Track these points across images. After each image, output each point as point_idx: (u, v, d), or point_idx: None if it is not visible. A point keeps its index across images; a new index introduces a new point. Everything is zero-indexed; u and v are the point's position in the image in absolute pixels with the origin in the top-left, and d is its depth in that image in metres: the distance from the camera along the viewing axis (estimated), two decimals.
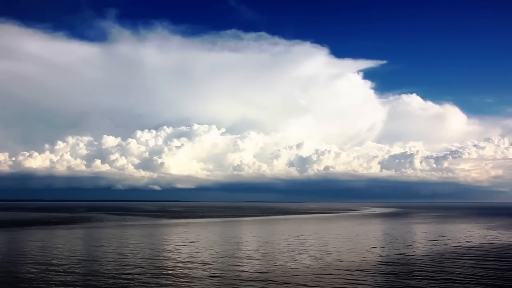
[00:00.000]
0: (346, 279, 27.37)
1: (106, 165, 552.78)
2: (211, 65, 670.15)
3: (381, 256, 37.45)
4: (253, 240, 51.22)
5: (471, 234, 60.81)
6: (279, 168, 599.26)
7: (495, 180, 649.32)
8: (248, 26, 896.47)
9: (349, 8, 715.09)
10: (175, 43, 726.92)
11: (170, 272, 29.59)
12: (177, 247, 43.57)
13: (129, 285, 25.58)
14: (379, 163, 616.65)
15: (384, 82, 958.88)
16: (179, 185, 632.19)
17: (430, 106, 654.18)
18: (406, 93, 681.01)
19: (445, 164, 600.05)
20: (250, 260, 34.74)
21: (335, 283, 26.29)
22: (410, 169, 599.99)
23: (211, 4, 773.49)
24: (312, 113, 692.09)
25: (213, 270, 30.18)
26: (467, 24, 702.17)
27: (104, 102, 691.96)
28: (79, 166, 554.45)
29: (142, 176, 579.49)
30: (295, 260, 34.74)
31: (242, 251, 40.13)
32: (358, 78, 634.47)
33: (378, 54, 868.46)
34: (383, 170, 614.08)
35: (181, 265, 32.46)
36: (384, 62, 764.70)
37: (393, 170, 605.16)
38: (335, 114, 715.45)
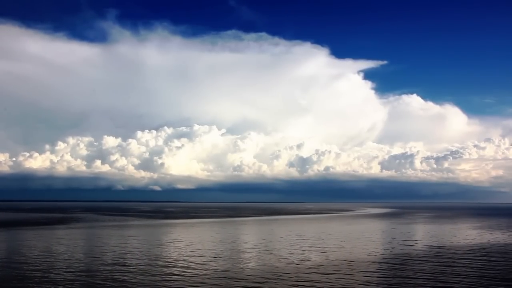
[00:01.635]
0: (301, 278, 27.85)
1: (107, 165, 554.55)
2: (211, 66, 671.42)
3: (346, 256, 37.84)
4: (230, 240, 51.64)
5: (450, 234, 61.12)
6: (279, 168, 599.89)
7: (495, 180, 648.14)
8: (249, 27, 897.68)
9: (349, 9, 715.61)
10: (175, 44, 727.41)
11: (132, 269, 30.08)
12: (150, 247, 44.08)
13: (79, 282, 26.11)
14: (379, 163, 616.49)
15: (385, 83, 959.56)
16: (179, 186, 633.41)
17: (431, 107, 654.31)
18: (406, 93, 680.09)
19: (446, 165, 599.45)
20: (215, 260, 35.21)
21: (287, 281, 26.75)
22: (410, 169, 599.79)
23: (211, 5, 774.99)
24: (312, 114, 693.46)
25: (173, 269, 30.67)
26: (467, 24, 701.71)
27: (104, 103, 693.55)
28: (79, 166, 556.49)
29: (142, 176, 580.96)
30: (260, 260, 35.23)
31: (212, 251, 40.60)
32: (358, 79, 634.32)
33: (379, 54, 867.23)
34: (384, 170, 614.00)
35: (144, 264, 32.96)
36: (385, 62, 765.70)
37: (394, 170, 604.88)
38: (336, 115, 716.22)
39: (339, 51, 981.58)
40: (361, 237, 54.88)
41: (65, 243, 47.22)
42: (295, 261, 34.49)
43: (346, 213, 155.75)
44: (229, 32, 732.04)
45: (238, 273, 29.38)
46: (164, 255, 37.99)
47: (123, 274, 28.87)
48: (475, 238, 54.65)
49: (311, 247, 44.05)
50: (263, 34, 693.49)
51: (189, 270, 30.29)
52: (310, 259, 35.60)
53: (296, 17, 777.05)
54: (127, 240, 50.60)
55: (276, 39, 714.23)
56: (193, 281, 26.85)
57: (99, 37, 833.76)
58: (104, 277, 27.76)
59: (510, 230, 68.88)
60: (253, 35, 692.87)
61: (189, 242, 48.88)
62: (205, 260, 35.05)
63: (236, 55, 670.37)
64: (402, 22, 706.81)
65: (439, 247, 44.24)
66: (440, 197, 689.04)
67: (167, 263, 33.45)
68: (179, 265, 32.56)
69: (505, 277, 28.18)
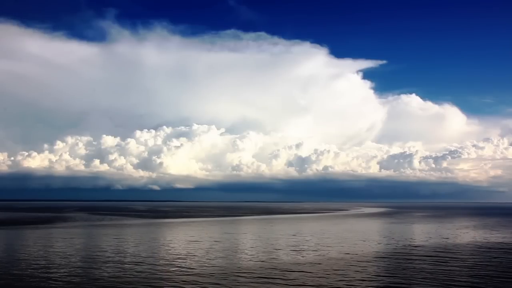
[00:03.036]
0: (261, 275, 28.14)
1: (105, 165, 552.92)
2: (210, 65, 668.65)
3: (315, 255, 38.21)
4: (207, 239, 51.76)
5: (430, 234, 61.38)
6: (278, 168, 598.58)
7: (494, 180, 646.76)
8: (248, 26, 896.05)
9: (348, 8, 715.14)
10: (174, 43, 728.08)
11: (94, 266, 30.31)
12: (124, 245, 44.38)
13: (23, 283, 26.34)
14: (378, 163, 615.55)
15: (384, 82, 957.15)
16: (178, 185, 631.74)
17: (430, 106, 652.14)
18: (405, 93, 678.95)
19: (444, 164, 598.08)
20: (182, 258, 35.48)
21: (246, 278, 27.01)
22: (409, 169, 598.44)
23: (210, 4, 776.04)
24: (311, 113, 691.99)
25: (138, 267, 30.94)
26: (466, 24, 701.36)
27: (103, 102, 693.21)
28: (78, 166, 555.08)
29: (141, 176, 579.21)
30: (228, 258, 35.61)
31: (182, 250, 40.83)
32: (357, 78, 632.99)
33: (378, 54, 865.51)
34: (382, 170, 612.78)
35: (112, 261, 33.22)
36: (384, 62, 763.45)
37: (392, 170, 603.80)
38: (335, 114, 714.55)
39: (338, 51, 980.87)
40: (341, 237, 55.16)
41: (41, 242, 47.42)
42: (263, 259, 34.79)
43: (339, 213, 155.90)
44: (228, 31, 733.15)
45: (201, 271, 29.69)
46: (133, 253, 38.23)
47: (85, 270, 29.12)
48: (456, 237, 54.94)
49: (285, 246, 44.28)
50: (262, 33, 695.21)
51: (149, 269, 30.51)
52: (278, 258, 35.83)
53: (295, 17, 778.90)
54: (104, 239, 50.84)
55: (275, 39, 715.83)
56: (153, 278, 27.09)
57: (98, 37, 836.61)
58: (63, 273, 28.03)
59: (494, 230, 69.12)
60: (252, 35, 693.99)
61: (166, 240, 49.19)
62: (171, 258, 35.29)
63: (235, 55, 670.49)
64: (401, 21, 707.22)
65: (413, 246, 44.52)
66: (439, 196, 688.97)
67: (133, 261, 33.69)
68: (147, 262, 32.85)
69: (459, 274, 28.42)
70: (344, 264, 32.48)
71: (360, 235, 56.97)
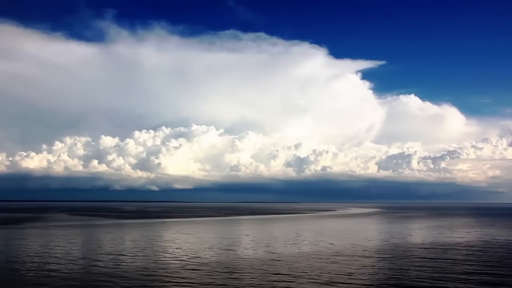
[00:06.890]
0: (178, 276, 28.20)
1: (104, 165, 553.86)
2: (209, 66, 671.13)
3: (256, 253, 38.37)
4: (168, 240, 51.84)
5: (400, 233, 61.70)
6: (276, 168, 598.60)
7: (492, 180, 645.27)
8: (247, 27, 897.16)
9: (348, 9, 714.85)
10: (173, 43, 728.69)
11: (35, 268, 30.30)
12: (69, 245, 44.55)
13: None
14: (376, 163, 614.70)
15: (383, 83, 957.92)
16: (177, 186, 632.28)
17: (429, 107, 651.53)
18: (404, 93, 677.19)
19: (443, 165, 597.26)
20: (130, 257, 35.58)
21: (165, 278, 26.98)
22: (407, 169, 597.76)
23: (209, 4, 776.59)
24: (310, 114, 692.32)
25: (74, 267, 31.13)
26: (465, 24, 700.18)
27: (102, 103, 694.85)
28: (77, 166, 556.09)
29: (139, 176, 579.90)
30: (169, 259, 35.75)
31: (135, 250, 40.97)
32: (356, 79, 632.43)
33: (377, 54, 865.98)
34: (381, 170, 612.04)
35: (47, 262, 33.42)
36: (383, 62, 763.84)
37: (391, 170, 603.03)
38: (334, 115, 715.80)
39: (338, 51, 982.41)
40: (295, 237, 55.09)
41: None
42: (206, 260, 34.78)
43: (324, 213, 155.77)
44: (227, 32, 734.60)
45: (147, 273, 29.71)
46: (79, 254, 38.34)
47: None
48: (404, 237, 54.94)
49: (233, 245, 44.42)
50: (262, 34, 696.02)
51: (86, 268, 30.86)
52: (203, 257, 35.76)
53: (294, 17, 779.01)
54: (55, 240, 51.08)
55: (275, 39, 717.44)
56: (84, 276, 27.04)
57: (97, 37, 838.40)
58: None
59: (452, 229, 69.56)
60: (251, 35, 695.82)
61: (121, 241, 49.37)
62: (117, 258, 35.39)
63: (235, 55, 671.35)
64: (400, 22, 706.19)
65: (357, 245, 44.71)
66: (437, 197, 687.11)
67: (69, 261, 33.91)
68: (81, 262, 33.19)
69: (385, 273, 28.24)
70: (280, 263, 32.48)
71: (318, 235, 56.67)
